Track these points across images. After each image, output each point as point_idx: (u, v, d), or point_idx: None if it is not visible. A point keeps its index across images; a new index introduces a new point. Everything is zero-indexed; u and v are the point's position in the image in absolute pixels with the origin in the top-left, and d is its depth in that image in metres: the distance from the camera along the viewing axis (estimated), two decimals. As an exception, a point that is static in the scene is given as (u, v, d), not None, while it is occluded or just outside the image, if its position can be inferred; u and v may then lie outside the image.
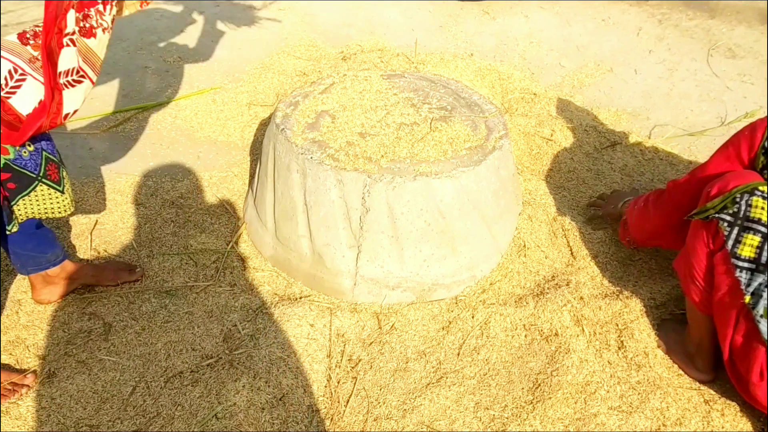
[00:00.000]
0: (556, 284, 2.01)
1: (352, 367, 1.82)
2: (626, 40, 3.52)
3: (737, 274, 1.47)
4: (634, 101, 3.03)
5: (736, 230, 1.46)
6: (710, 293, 1.60)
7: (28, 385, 1.74)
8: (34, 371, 1.78)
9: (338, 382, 1.79)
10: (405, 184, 1.84)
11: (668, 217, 1.79)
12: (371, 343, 1.89)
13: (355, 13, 3.82)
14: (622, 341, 1.86)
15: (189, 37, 3.63)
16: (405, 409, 1.71)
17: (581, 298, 1.97)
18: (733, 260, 1.47)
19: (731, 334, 1.55)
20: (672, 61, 3.30)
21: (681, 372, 1.81)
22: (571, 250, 2.17)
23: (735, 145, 1.60)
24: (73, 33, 1.42)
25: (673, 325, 1.88)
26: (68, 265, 1.96)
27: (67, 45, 1.42)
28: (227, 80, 3.22)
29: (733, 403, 1.71)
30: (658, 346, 1.85)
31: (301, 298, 2.03)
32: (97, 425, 1.67)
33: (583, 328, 1.89)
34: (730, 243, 1.47)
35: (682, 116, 2.91)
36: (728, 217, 1.47)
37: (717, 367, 1.77)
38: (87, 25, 1.41)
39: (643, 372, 1.78)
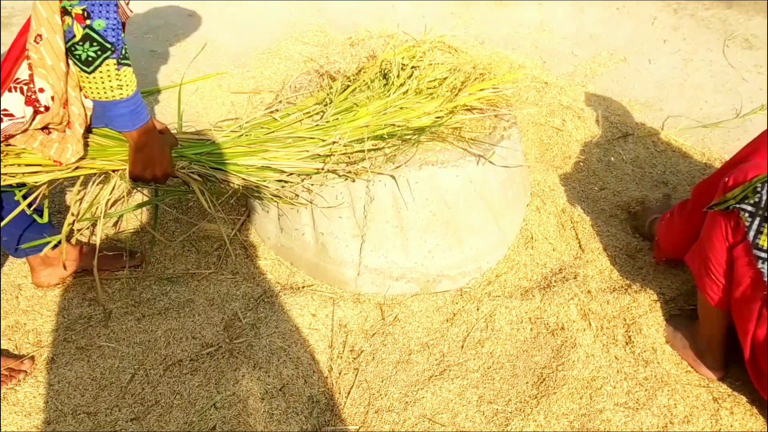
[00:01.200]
0: (564, 277, 1.97)
1: (354, 359, 1.80)
2: (640, 29, 3.45)
3: (760, 265, 1.44)
4: (647, 92, 2.97)
5: (757, 221, 1.42)
6: (728, 288, 1.56)
7: (25, 371, 1.72)
8: (32, 357, 1.77)
9: (339, 373, 1.76)
10: (410, 173, 1.81)
11: (691, 221, 1.75)
12: (374, 335, 1.86)
13: (365, -2, 3.77)
14: (629, 336, 1.82)
15: (196, 21, 3.59)
16: (407, 402, 1.69)
17: (589, 291, 1.93)
18: (755, 251, 1.44)
19: (753, 329, 1.51)
20: (687, 52, 3.23)
21: (689, 369, 1.77)
22: (579, 242, 2.13)
23: (758, 145, 1.56)
24: (22, 82, 1.46)
25: (682, 321, 1.85)
26: (67, 248, 1.94)
27: (12, 90, 1.46)
28: (234, 65, 3.18)
29: (743, 402, 1.67)
30: (667, 342, 1.82)
31: (303, 287, 2.00)
32: (95, 412, 1.65)
33: (590, 323, 1.85)
34: (752, 234, 1.43)
35: (696, 107, 2.85)
36: (749, 207, 1.43)
37: (727, 365, 1.73)
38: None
39: (651, 368, 1.75)
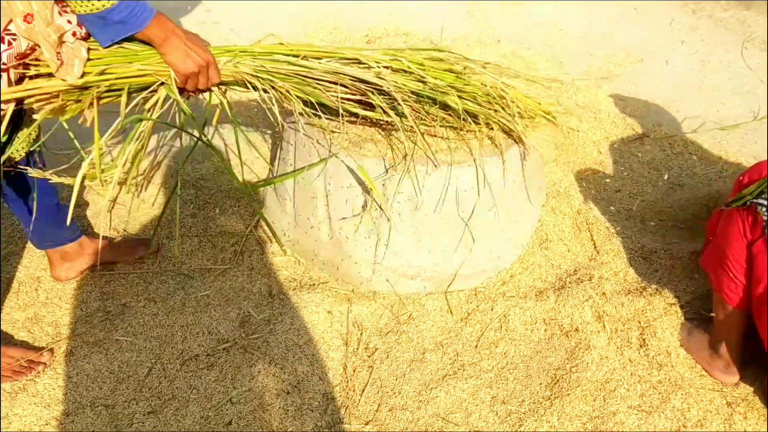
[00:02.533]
0: (578, 279, 1.98)
1: (369, 356, 1.81)
2: (657, 29, 3.43)
3: None
4: (664, 93, 2.95)
5: None
6: (747, 287, 1.55)
7: (44, 363, 1.75)
8: (51, 349, 1.79)
9: (354, 371, 1.77)
10: (426, 172, 1.81)
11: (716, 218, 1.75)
12: (388, 333, 1.87)
13: (381, -5, 3.77)
14: (644, 339, 1.82)
15: (207, 16, 3.60)
16: (420, 401, 1.70)
17: (603, 293, 1.93)
18: None
19: None
20: (704, 53, 3.21)
21: (703, 372, 1.77)
22: (594, 244, 2.12)
23: None
24: None
25: (697, 325, 1.84)
26: (85, 242, 1.96)
27: None
28: (250, 61, 3.19)
29: (757, 406, 1.67)
30: (681, 345, 1.82)
31: (318, 284, 2.01)
32: (113, 405, 1.67)
33: (604, 325, 1.85)
34: None
35: (713, 109, 2.83)
36: (766, 202, 1.43)
37: (741, 369, 1.73)
38: None
39: (665, 371, 1.75)
